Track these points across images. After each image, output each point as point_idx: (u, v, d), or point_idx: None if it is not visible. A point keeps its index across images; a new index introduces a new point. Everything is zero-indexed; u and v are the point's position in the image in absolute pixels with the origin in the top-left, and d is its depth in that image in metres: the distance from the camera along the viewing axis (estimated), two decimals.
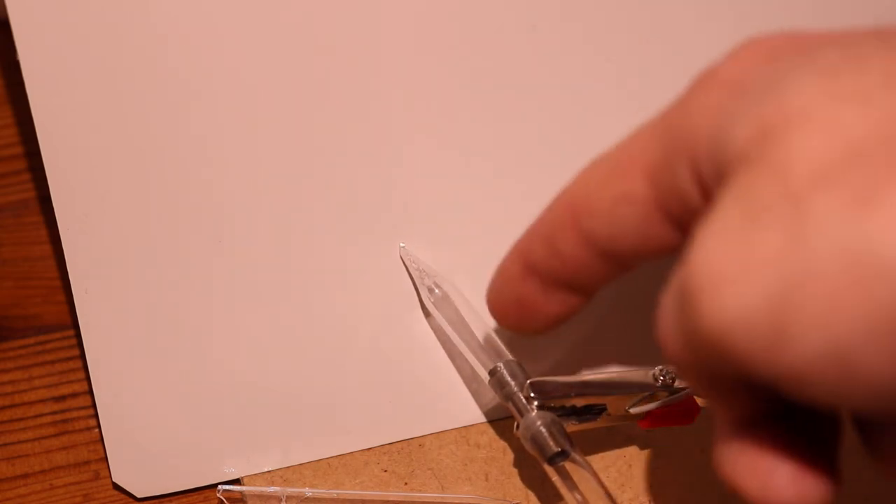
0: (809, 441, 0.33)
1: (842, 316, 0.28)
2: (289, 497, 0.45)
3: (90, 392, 0.47)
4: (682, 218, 0.35)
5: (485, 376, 0.45)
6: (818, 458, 0.33)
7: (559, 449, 0.43)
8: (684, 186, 0.34)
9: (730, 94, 0.33)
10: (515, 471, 0.47)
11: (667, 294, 0.33)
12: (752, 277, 0.29)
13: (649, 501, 0.46)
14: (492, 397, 0.47)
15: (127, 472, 0.46)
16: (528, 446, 0.43)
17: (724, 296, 0.30)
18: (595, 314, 0.48)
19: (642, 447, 0.47)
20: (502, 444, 0.47)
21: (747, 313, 0.29)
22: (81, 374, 0.49)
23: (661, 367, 0.45)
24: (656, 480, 0.47)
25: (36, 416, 0.48)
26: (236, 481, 0.46)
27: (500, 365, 0.45)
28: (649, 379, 0.45)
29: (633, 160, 0.36)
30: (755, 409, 0.33)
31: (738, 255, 0.30)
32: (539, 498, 0.46)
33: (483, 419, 0.48)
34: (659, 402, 0.45)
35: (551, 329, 0.41)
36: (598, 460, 0.47)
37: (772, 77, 0.32)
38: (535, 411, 0.43)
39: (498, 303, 0.42)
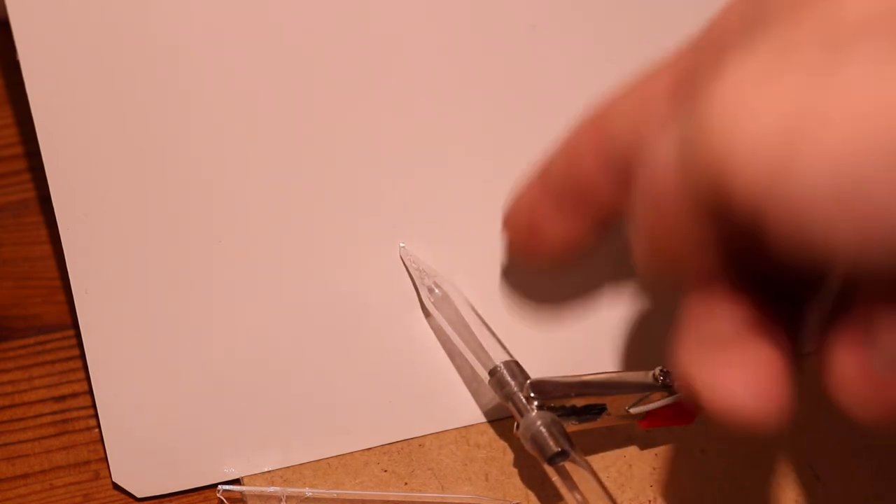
0: (772, 342, 0.33)
1: (856, 149, 0.28)
2: (289, 497, 0.45)
3: (90, 392, 0.47)
4: None
5: (485, 376, 0.45)
6: (779, 364, 0.33)
7: (559, 449, 0.43)
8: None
9: None
10: (515, 471, 0.47)
11: (668, 130, 0.32)
12: (773, 100, 0.29)
13: (649, 501, 0.46)
14: (492, 397, 0.47)
15: (127, 472, 0.46)
16: (528, 446, 0.43)
17: (741, 115, 0.30)
18: (595, 313, 0.48)
19: (642, 447, 0.47)
20: (502, 444, 0.47)
21: (761, 135, 0.29)
22: (81, 374, 0.49)
23: (660, 367, 0.45)
24: (656, 480, 0.47)
25: (36, 416, 0.48)
26: (236, 481, 0.46)
27: (500, 365, 0.45)
28: (649, 379, 0.45)
29: (663, 76, 0.36)
30: (717, 271, 0.33)
31: (763, 79, 0.30)
32: (539, 498, 0.46)
33: (483, 419, 0.48)
34: (659, 402, 0.45)
35: (557, 259, 0.41)
36: (598, 460, 0.47)
37: None
38: (535, 411, 0.43)
39: (511, 222, 0.42)
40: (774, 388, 0.33)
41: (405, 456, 0.47)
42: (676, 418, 0.46)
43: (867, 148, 0.28)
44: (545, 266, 0.43)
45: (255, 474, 0.46)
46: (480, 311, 0.46)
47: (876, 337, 0.32)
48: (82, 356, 0.47)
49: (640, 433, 0.47)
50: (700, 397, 0.33)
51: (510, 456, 0.47)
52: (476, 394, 0.48)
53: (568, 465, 0.43)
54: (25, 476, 0.47)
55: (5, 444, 0.47)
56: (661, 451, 0.47)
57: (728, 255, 0.33)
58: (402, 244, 0.48)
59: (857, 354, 0.32)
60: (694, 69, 0.35)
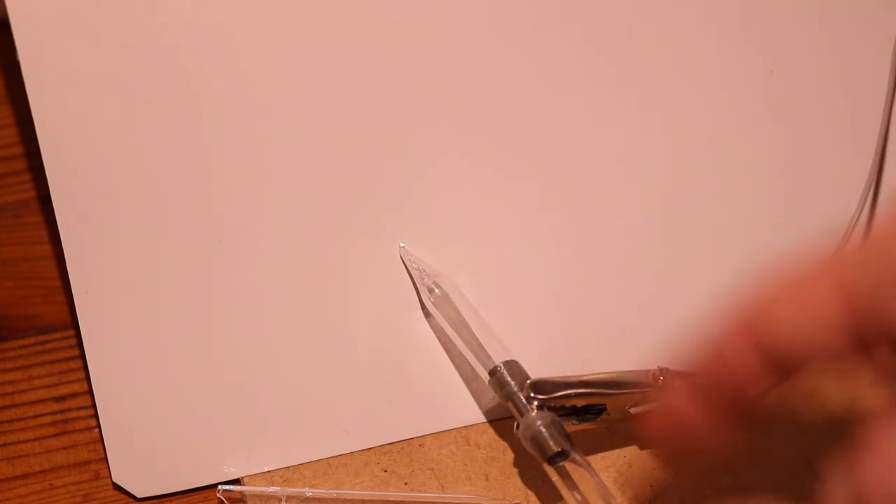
0: None
1: None
2: (289, 497, 0.45)
3: (90, 392, 0.47)
4: (875, 340, 0.35)
5: (485, 376, 0.45)
6: None
7: (559, 449, 0.43)
8: (893, 319, 0.34)
9: None
10: (515, 471, 0.47)
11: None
12: None
13: (649, 501, 0.46)
14: (492, 397, 0.47)
15: (127, 472, 0.46)
16: (528, 446, 0.43)
17: None
18: (595, 313, 0.48)
19: (642, 447, 0.47)
20: (502, 444, 0.47)
21: None
22: (81, 374, 0.49)
23: (661, 367, 0.45)
24: (656, 480, 0.47)
25: (36, 416, 0.48)
26: (236, 481, 0.46)
27: (500, 365, 0.45)
28: (649, 379, 0.45)
29: (824, 276, 0.36)
30: None
31: None
32: (539, 498, 0.46)
33: (483, 419, 0.48)
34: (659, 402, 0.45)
35: (706, 456, 0.40)
36: (598, 460, 0.47)
37: None
38: (535, 411, 0.43)
39: (659, 429, 0.41)
40: None
41: (405, 456, 0.47)
42: None
43: None
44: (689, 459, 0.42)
45: (255, 474, 0.46)
46: (480, 311, 0.46)
47: None
48: (82, 356, 0.47)
49: (640, 433, 0.47)
50: None
51: (510, 456, 0.47)
52: (476, 394, 0.48)
53: (568, 465, 0.43)
54: (25, 476, 0.47)
55: (5, 444, 0.47)
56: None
57: None
58: (402, 244, 0.48)
59: None
60: (872, 290, 0.35)
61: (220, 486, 0.46)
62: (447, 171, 0.48)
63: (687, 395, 0.39)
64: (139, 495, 0.46)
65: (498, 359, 0.45)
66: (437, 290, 0.47)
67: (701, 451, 0.40)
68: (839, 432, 0.48)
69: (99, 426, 0.46)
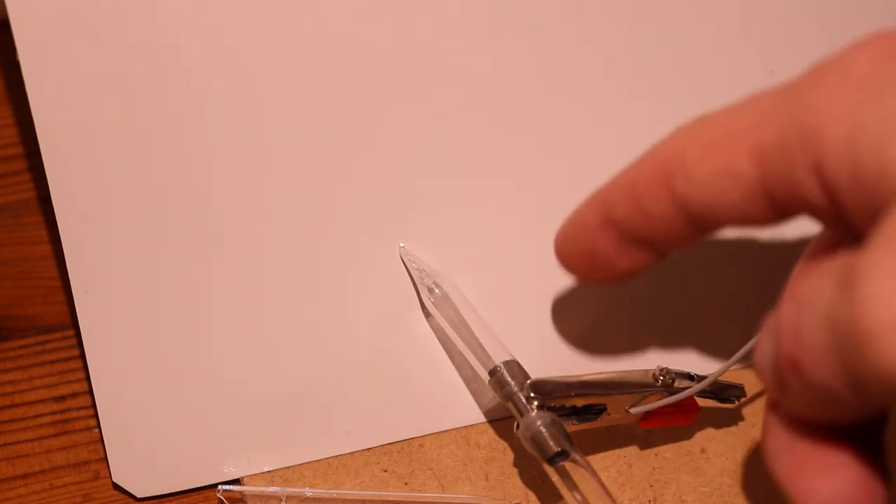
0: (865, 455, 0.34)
1: None
2: (289, 497, 0.45)
3: (90, 392, 0.47)
4: (786, 203, 0.34)
5: (485, 376, 0.45)
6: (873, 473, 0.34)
7: (559, 449, 0.43)
8: (801, 180, 0.33)
9: (865, 98, 0.31)
10: (515, 471, 0.47)
11: (811, 314, 0.32)
12: None
13: (649, 501, 0.46)
14: (492, 397, 0.47)
15: (127, 472, 0.46)
16: (528, 446, 0.43)
17: None
18: (595, 313, 0.48)
19: (642, 447, 0.47)
20: (502, 444, 0.47)
21: None
22: (81, 374, 0.49)
23: (661, 367, 0.45)
24: (656, 480, 0.47)
25: (36, 416, 0.48)
26: (236, 481, 0.46)
27: (500, 365, 0.45)
28: (649, 379, 0.45)
29: (741, 134, 0.35)
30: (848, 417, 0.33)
31: None
32: (539, 498, 0.46)
33: (483, 419, 0.48)
34: (659, 402, 0.45)
35: (616, 282, 0.40)
36: (598, 460, 0.47)
37: None
38: (535, 411, 0.43)
39: (567, 250, 0.40)
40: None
41: (405, 456, 0.47)
42: (676, 418, 0.46)
43: None
44: (603, 284, 0.41)
45: (255, 474, 0.46)
46: (480, 311, 0.46)
47: None
48: (82, 356, 0.47)
49: (640, 433, 0.47)
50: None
51: (510, 456, 0.47)
52: (476, 394, 0.48)
53: (568, 465, 0.43)
54: (25, 476, 0.47)
55: (5, 444, 0.47)
56: (661, 451, 0.47)
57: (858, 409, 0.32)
58: (402, 244, 0.48)
59: None
60: (782, 151, 0.34)
61: (220, 486, 0.46)
62: (447, 170, 0.48)
63: (597, 214, 0.39)
64: (139, 495, 0.46)
65: (498, 359, 0.45)
66: (437, 290, 0.47)
67: (602, 269, 0.39)
68: None
69: (99, 426, 0.46)
